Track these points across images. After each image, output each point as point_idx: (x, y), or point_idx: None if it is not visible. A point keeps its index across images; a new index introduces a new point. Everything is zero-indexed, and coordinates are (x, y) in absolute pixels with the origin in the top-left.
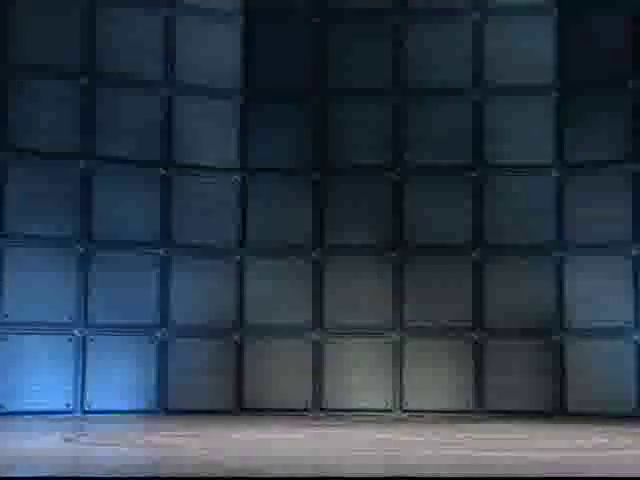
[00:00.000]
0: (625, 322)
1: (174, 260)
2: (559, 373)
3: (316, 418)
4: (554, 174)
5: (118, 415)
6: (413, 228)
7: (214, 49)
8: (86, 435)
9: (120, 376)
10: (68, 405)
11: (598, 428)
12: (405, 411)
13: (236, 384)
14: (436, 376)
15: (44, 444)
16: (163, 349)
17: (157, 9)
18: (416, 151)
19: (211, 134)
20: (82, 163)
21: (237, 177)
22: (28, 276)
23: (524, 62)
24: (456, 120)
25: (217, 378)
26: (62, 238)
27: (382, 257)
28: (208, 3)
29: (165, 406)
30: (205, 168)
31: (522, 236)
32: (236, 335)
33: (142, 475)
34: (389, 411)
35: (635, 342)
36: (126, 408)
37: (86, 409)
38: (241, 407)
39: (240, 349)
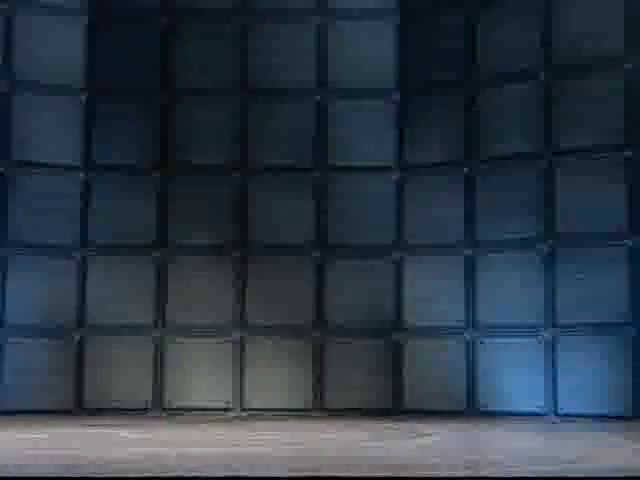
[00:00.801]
0: (457, 321)
1: (10, 260)
2: (397, 372)
3: (156, 417)
4: (394, 175)
5: None
6: (256, 228)
7: (56, 47)
8: None
9: None
10: None
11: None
12: (245, 410)
13: (76, 384)
14: (277, 375)
15: None
16: None
17: None
18: (260, 152)
19: (52, 132)
20: None
21: (80, 175)
22: None
23: (366, 65)
24: (299, 121)
25: (57, 378)
26: None
27: (225, 257)
28: (52, 1)
29: (3, 407)
30: (46, 166)
31: (362, 237)
32: (77, 334)
33: None
34: (230, 410)
35: (466, 341)
36: None
37: None
38: (81, 407)
39: (81, 348)
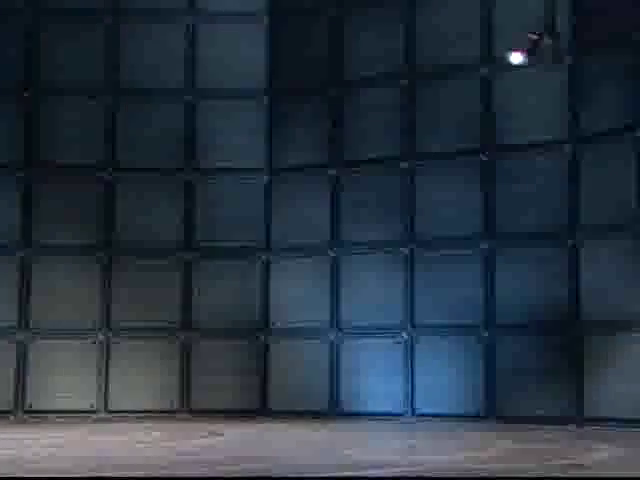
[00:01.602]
0: (321, 322)
1: None
2: (263, 373)
3: (20, 420)
4: (263, 177)
5: None
6: (124, 228)
7: None
8: None
9: None
10: None
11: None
12: (110, 412)
13: None
14: (143, 377)
15: None
16: None
17: None
18: (129, 152)
19: None
20: None
21: None
22: None
23: (237, 66)
24: (169, 121)
25: None
26: None
27: (91, 257)
28: None
29: None
30: None
31: (231, 238)
32: None
33: None
34: (94, 412)
35: (330, 342)
36: None
37: None
38: None
39: None
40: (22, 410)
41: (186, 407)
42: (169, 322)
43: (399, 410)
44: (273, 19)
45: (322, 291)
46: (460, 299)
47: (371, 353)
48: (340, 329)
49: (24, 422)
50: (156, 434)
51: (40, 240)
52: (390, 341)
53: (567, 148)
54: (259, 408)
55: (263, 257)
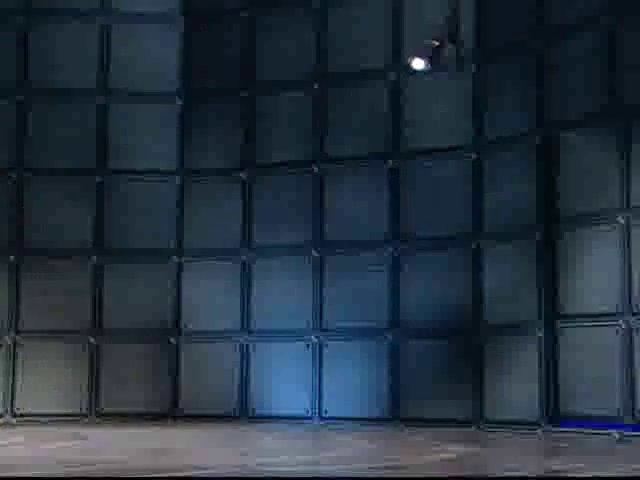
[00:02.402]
0: (233, 325)
1: None
2: (174, 376)
3: None
4: (177, 180)
5: None
6: (34, 230)
7: None
8: None
9: None
10: None
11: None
12: (16, 416)
13: None
14: (52, 380)
15: None
16: None
17: None
18: (40, 153)
19: None
20: None
21: None
22: None
23: (150, 68)
24: (81, 122)
25: None
26: None
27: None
28: None
29: None
30: None
31: (143, 241)
32: None
33: None
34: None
35: (240, 345)
36: None
37: None
38: None
39: None
40: None
41: (95, 410)
42: (79, 324)
43: (307, 413)
44: (187, 20)
45: (233, 294)
46: (367, 303)
47: (281, 356)
48: (250, 332)
49: None
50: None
51: None
52: (299, 344)
53: (471, 154)
54: (170, 411)
55: (175, 260)
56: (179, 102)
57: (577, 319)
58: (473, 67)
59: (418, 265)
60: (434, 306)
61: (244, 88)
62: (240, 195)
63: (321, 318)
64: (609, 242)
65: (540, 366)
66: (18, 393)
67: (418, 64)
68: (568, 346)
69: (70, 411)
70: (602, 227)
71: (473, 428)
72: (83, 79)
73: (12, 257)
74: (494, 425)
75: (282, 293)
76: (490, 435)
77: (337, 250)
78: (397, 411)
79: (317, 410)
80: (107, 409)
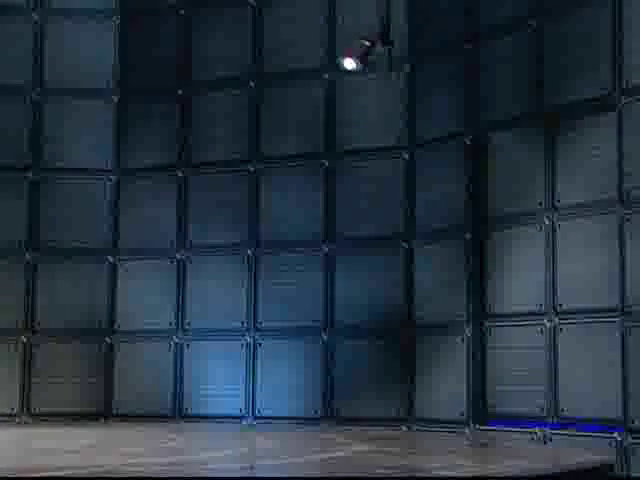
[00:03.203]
0: (168, 324)
1: None
2: (109, 375)
3: None
4: (113, 178)
5: None
6: None
7: None
8: None
9: None
10: None
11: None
12: None
13: None
14: None
15: None
16: None
17: None
18: None
19: None
20: None
21: None
22: None
23: (85, 65)
24: (15, 120)
25: None
26: None
27: None
28: None
29: None
30: None
31: (77, 239)
32: None
33: None
34: None
35: (175, 345)
36: None
37: None
38: None
39: None
40: None
41: (27, 411)
42: (11, 323)
43: (241, 413)
44: (123, 17)
45: (168, 293)
46: (302, 302)
47: (215, 355)
48: (185, 331)
49: None
50: None
51: None
52: (233, 343)
53: (403, 154)
54: (104, 411)
55: (110, 258)
56: (115, 100)
57: (504, 319)
58: (407, 67)
59: (352, 265)
60: (367, 306)
61: (180, 86)
62: (176, 194)
63: (256, 317)
64: (535, 242)
65: (468, 365)
66: None
67: (349, 64)
68: (495, 345)
69: (1, 411)
70: (528, 227)
71: (404, 427)
72: (17, 75)
73: None
74: (424, 424)
75: (217, 292)
76: (417, 434)
77: (272, 249)
78: (331, 410)
79: (251, 410)
80: (41, 409)
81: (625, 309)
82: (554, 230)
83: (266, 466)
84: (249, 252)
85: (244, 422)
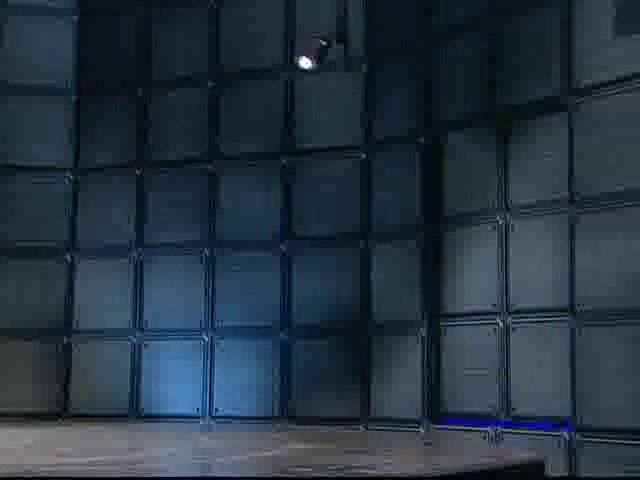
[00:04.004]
0: (126, 324)
1: None
2: (66, 375)
3: None
4: (71, 177)
5: None
6: None
7: None
8: None
9: None
10: None
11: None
12: None
13: None
14: None
15: None
16: None
17: None
18: None
19: None
20: None
21: None
22: None
23: (44, 63)
24: None
25: None
26: None
27: None
28: None
29: None
30: None
31: (35, 237)
32: None
33: None
34: None
35: (132, 344)
36: None
37: None
38: None
39: None
40: None
41: None
42: None
43: (198, 412)
44: (82, 16)
45: (126, 292)
46: (259, 301)
47: (173, 355)
48: (142, 330)
49: None
50: None
51: None
52: (191, 343)
53: (360, 154)
54: (61, 411)
55: (68, 257)
56: (73, 98)
57: (457, 318)
58: (364, 67)
59: (309, 265)
60: (325, 305)
61: (139, 85)
62: (134, 193)
63: (213, 317)
64: (488, 242)
65: (423, 365)
66: None
67: (305, 63)
68: (450, 345)
69: None
70: (482, 227)
71: (361, 426)
72: None
73: None
74: (381, 423)
75: (174, 292)
76: (371, 433)
77: (230, 249)
78: (289, 410)
79: (208, 409)
80: None
81: (574, 309)
82: (507, 230)
83: (181, 466)
84: (207, 252)
85: (201, 422)
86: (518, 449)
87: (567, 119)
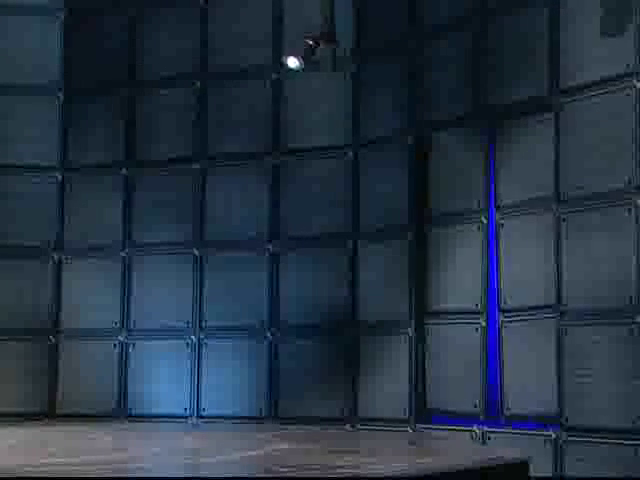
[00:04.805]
0: (112, 324)
1: None
2: (53, 374)
3: None
4: (58, 176)
5: None
6: None
7: None
8: None
9: None
10: None
11: None
12: None
13: None
14: None
15: None
16: None
17: None
18: None
19: None
20: None
21: None
22: None
23: (31, 62)
24: None
25: None
26: None
27: None
28: None
29: None
30: None
31: (20, 237)
32: None
33: None
34: None
35: (120, 342)
36: None
37: None
38: None
39: None
40: None
41: None
42: None
43: (185, 412)
44: (69, 15)
45: (113, 292)
46: (246, 301)
47: (160, 355)
48: (130, 330)
49: None
50: None
51: None
52: (178, 343)
53: (348, 153)
54: (48, 411)
55: (55, 257)
56: (60, 97)
57: (444, 317)
58: (352, 67)
59: (297, 264)
60: (312, 305)
61: (126, 84)
62: (121, 192)
63: (201, 317)
64: (474, 241)
65: (410, 364)
66: None
67: (293, 63)
68: (436, 344)
69: None
70: (467, 227)
71: (347, 426)
72: None
73: None
74: (368, 423)
75: (162, 291)
76: (356, 433)
77: (217, 249)
78: (276, 409)
79: (196, 409)
80: None
81: (561, 308)
82: (497, 229)
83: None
84: (195, 251)
85: (189, 421)
86: (503, 449)
87: (553, 119)
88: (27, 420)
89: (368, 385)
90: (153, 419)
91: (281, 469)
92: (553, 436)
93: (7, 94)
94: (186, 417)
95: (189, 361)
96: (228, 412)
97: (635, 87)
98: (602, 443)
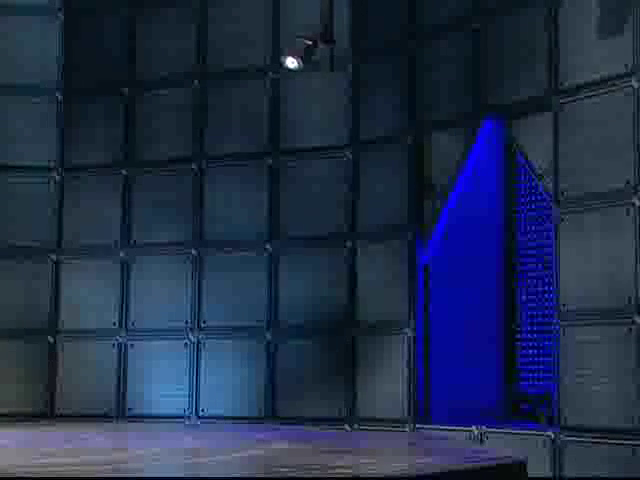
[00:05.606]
0: (111, 324)
1: None
2: (52, 375)
3: None
4: (57, 176)
5: None
6: None
7: None
8: None
9: None
10: None
11: None
12: None
13: None
14: None
15: None
16: None
17: None
18: None
19: None
20: None
21: None
22: None
23: (29, 62)
24: None
25: None
26: None
27: None
28: None
29: None
30: None
31: (19, 237)
32: None
33: None
34: None
35: (118, 343)
36: None
37: None
38: None
39: None
40: None
41: None
42: None
43: (184, 412)
44: (68, 15)
45: (112, 292)
46: (245, 301)
47: (159, 355)
48: (128, 330)
49: None
50: None
51: None
52: (177, 343)
53: (347, 153)
54: (47, 411)
55: (53, 257)
56: (59, 97)
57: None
58: (350, 67)
59: (296, 264)
60: (311, 305)
61: (125, 84)
62: (120, 193)
63: (200, 317)
64: None
65: (409, 364)
66: None
67: (291, 63)
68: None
69: None
70: None
71: (346, 426)
72: None
73: None
74: (367, 423)
75: (161, 292)
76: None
77: (216, 249)
78: (274, 410)
79: (195, 409)
80: None
81: (559, 308)
82: None
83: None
84: (193, 251)
85: (188, 422)
86: (500, 449)
87: (552, 119)
88: (26, 420)
89: (367, 385)
90: (152, 419)
91: (281, 469)
92: (552, 436)
93: (6, 94)
94: (185, 417)
95: (188, 361)
96: (227, 412)
97: (634, 87)
98: (601, 443)
